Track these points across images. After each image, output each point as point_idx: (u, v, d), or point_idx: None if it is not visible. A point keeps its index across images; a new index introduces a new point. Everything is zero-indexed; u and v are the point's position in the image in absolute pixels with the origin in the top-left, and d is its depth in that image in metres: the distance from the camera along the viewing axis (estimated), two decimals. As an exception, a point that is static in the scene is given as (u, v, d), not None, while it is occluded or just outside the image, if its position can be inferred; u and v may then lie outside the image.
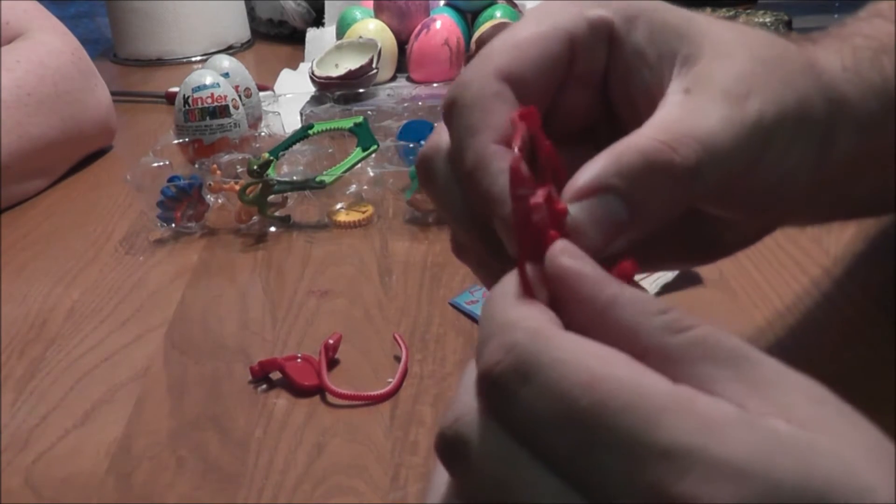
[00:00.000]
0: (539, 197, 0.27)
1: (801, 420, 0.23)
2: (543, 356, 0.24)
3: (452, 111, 0.32)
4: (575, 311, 0.26)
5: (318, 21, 1.14)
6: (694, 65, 0.32)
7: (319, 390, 0.46)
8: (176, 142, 0.74)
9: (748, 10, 1.11)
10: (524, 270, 0.27)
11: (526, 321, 0.25)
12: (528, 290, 0.27)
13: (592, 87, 0.34)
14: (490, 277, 0.33)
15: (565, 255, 0.26)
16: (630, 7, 0.33)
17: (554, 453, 0.24)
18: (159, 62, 1.17)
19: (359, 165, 0.66)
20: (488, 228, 0.31)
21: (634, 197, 0.29)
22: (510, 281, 0.27)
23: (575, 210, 0.28)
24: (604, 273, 0.26)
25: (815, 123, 0.34)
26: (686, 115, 0.30)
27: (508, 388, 0.24)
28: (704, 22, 0.34)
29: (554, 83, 0.33)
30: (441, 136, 0.33)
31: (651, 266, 0.29)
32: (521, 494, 0.24)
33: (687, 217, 0.33)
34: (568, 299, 0.26)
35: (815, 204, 0.38)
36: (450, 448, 0.25)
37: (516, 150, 0.28)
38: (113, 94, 0.87)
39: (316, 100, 0.88)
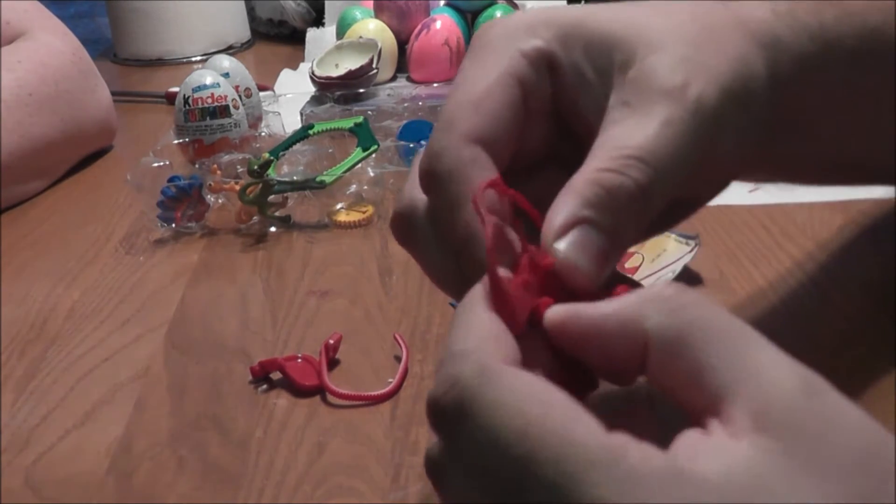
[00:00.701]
0: (518, 284, 0.28)
1: (776, 418, 0.23)
2: (483, 396, 0.24)
3: (432, 182, 0.32)
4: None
5: (318, 21, 1.14)
6: (628, 69, 0.32)
7: (320, 390, 0.46)
8: (176, 142, 0.74)
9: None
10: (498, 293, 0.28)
11: (476, 353, 0.25)
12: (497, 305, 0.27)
13: (545, 116, 0.34)
14: None
15: (555, 314, 0.27)
16: (561, 28, 0.33)
17: (491, 493, 0.24)
18: (159, 62, 1.16)
19: (359, 165, 0.66)
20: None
21: (606, 223, 0.29)
22: (473, 300, 0.28)
23: (562, 247, 0.29)
24: (583, 308, 0.27)
25: (758, 85, 0.34)
26: (626, 131, 0.31)
27: (450, 423, 0.25)
28: (634, 15, 0.34)
29: (517, 127, 0.33)
30: (414, 194, 0.33)
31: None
32: None
33: None
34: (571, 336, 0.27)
35: (770, 158, 0.37)
36: (430, 472, 0.27)
37: (490, 227, 0.28)
38: (113, 94, 0.87)
39: (316, 100, 0.88)
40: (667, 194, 0.31)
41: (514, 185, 0.31)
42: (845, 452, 0.22)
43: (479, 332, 0.26)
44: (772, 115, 0.35)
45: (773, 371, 0.24)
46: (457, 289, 0.33)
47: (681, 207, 0.37)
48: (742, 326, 0.25)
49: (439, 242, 0.33)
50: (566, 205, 0.30)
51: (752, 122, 0.34)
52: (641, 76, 0.32)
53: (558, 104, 0.34)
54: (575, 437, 0.23)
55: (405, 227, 0.34)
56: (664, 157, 0.30)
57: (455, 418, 0.25)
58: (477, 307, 0.27)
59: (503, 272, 0.29)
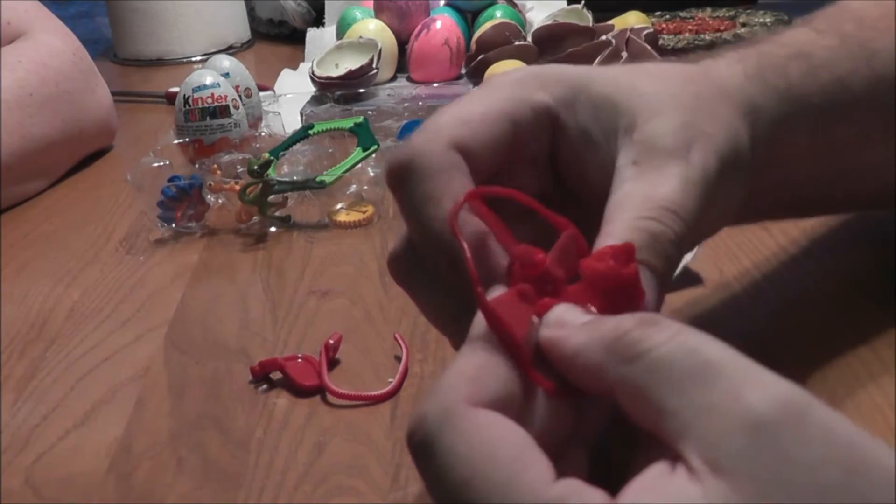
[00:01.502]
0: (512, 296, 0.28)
1: (726, 460, 0.22)
2: (440, 440, 0.25)
3: (407, 176, 0.32)
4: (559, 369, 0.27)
5: (318, 21, 1.14)
6: (633, 133, 0.33)
7: (320, 390, 0.46)
8: (176, 142, 0.74)
9: (748, 10, 1.11)
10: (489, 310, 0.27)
11: (444, 393, 0.26)
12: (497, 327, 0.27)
13: (538, 166, 0.35)
14: None
15: (542, 328, 0.28)
16: (570, 89, 0.35)
17: None
18: (159, 62, 1.17)
19: (359, 165, 0.66)
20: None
21: (657, 267, 0.31)
22: (472, 333, 0.28)
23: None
24: (575, 327, 0.27)
25: (745, 149, 0.35)
26: (648, 186, 0.32)
27: (419, 459, 0.26)
28: (631, 81, 0.35)
29: (498, 161, 0.34)
30: (406, 236, 0.34)
31: None
32: None
33: None
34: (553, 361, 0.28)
35: (746, 211, 0.39)
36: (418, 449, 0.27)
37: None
38: (113, 94, 0.87)
39: (316, 100, 0.88)
40: (693, 241, 0.33)
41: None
42: (804, 489, 0.22)
43: (461, 368, 0.27)
44: (753, 174, 0.37)
45: (723, 412, 0.23)
46: (453, 327, 0.34)
47: None
48: (703, 362, 0.24)
49: (426, 269, 0.33)
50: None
51: (741, 183, 0.36)
52: (646, 139, 0.33)
53: (557, 160, 0.35)
54: (518, 489, 0.24)
55: (401, 265, 0.35)
56: (690, 210, 0.32)
57: (420, 456, 0.26)
58: (473, 342, 0.28)
59: (497, 290, 0.29)
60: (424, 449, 0.25)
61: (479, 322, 0.28)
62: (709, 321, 0.48)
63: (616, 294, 0.28)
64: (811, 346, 0.46)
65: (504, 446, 0.25)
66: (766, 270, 0.53)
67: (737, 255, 0.55)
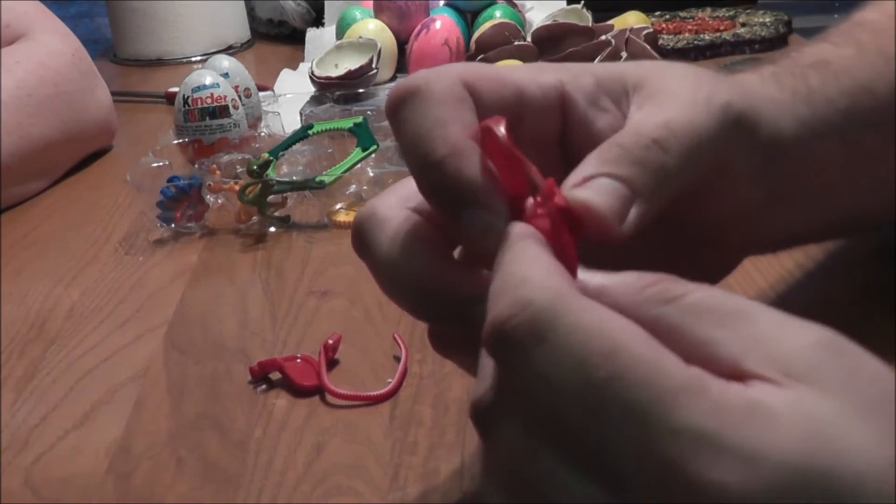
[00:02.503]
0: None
1: (799, 372, 0.23)
2: (563, 318, 0.24)
3: (413, 101, 0.31)
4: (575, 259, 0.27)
5: (318, 21, 1.14)
6: (641, 91, 0.34)
7: (319, 390, 0.46)
8: (176, 142, 0.74)
9: (748, 10, 1.11)
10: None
11: (547, 280, 0.25)
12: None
13: (548, 152, 0.35)
14: (445, 344, 0.35)
15: (583, 190, 0.28)
16: (571, 71, 0.35)
17: (566, 421, 0.23)
18: (159, 62, 1.16)
19: (359, 165, 0.66)
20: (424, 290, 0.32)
21: (627, 176, 0.30)
22: (525, 238, 0.27)
23: (583, 193, 0.29)
24: (589, 272, 0.27)
25: (765, 119, 0.35)
26: (642, 115, 0.32)
27: (521, 347, 0.24)
28: (636, 63, 0.36)
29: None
30: (375, 206, 0.33)
31: None
32: (540, 484, 0.24)
33: (661, 238, 0.34)
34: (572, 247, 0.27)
35: (771, 227, 0.39)
36: (479, 420, 0.26)
37: (504, 130, 0.28)
38: (113, 94, 0.87)
39: (316, 100, 0.88)
40: (683, 172, 0.32)
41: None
42: (874, 397, 0.23)
43: (542, 264, 0.26)
44: (775, 178, 0.36)
45: (782, 333, 0.24)
46: (410, 293, 0.33)
47: (692, 274, 0.38)
48: (738, 304, 0.25)
49: (407, 244, 0.32)
50: (583, 167, 0.30)
51: (759, 166, 0.35)
52: (654, 89, 0.33)
53: (567, 139, 0.35)
54: (663, 364, 0.23)
55: (360, 233, 0.34)
56: (681, 128, 0.31)
57: (527, 342, 0.24)
58: (530, 246, 0.27)
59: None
60: (535, 331, 0.24)
61: (522, 230, 0.28)
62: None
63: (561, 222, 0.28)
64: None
65: (636, 328, 0.24)
66: (765, 271, 0.53)
67: (736, 255, 0.55)
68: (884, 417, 0.23)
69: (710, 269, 0.38)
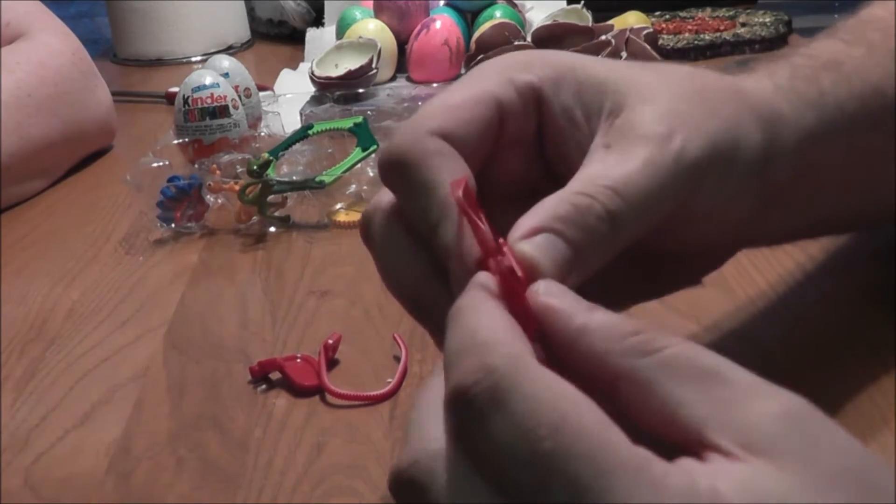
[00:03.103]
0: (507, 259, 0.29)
1: (760, 443, 0.23)
2: (520, 387, 0.24)
3: (399, 171, 0.33)
4: (553, 345, 0.27)
5: (318, 21, 1.14)
6: (616, 117, 0.33)
7: (319, 390, 0.46)
8: (176, 142, 0.74)
9: (748, 10, 1.11)
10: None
11: (506, 346, 0.25)
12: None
13: (527, 150, 0.35)
14: (435, 332, 0.34)
15: (543, 293, 0.27)
16: (555, 69, 0.34)
17: (515, 487, 0.24)
18: (159, 62, 1.17)
19: (358, 165, 0.66)
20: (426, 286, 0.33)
21: (572, 236, 0.30)
22: (482, 293, 0.28)
23: (526, 247, 0.29)
24: (577, 304, 0.27)
25: (750, 148, 0.35)
26: (605, 167, 0.32)
27: (481, 412, 0.24)
28: (626, 70, 0.35)
29: (486, 144, 0.34)
30: (380, 196, 0.35)
31: (615, 303, 0.30)
32: None
33: (641, 253, 0.34)
34: (547, 333, 0.27)
35: (766, 228, 0.38)
36: (405, 490, 0.26)
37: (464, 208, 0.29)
38: (113, 94, 0.87)
39: (316, 100, 0.88)
40: (637, 229, 0.32)
41: (490, 212, 0.31)
42: (835, 471, 0.23)
43: (500, 324, 0.26)
44: (768, 186, 0.36)
45: (749, 400, 0.24)
46: (411, 291, 0.33)
47: (681, 269, 0.38)
48: (714, 364, 0.25)
49: (405, 239, 0.33)
50: (535, 215, 0.30)
51: (743, 188, 0.35)
52: (626, 123, 0.33)
53: (543, 142, 0.35)
54: (609, 438, 0.23)
55: (367, 226, 0.35)
56: (638, 192, 0.31)
57: (489, 408, 0.24)
58: (487, 301, 0.27)
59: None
60: (494, 398, 0.24)
61: (481, 281, 0.28)
62: (707, 322, 0.48)
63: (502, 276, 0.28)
64: (810, 347, 0.46)
65: (587, 402, 0.24)
66: (764, 271, 0.53)
67: (736, 255, 0.55)
68: (845, 491, 0.22)
69: (702, 262, 0.38)
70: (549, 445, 0.23)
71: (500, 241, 0.29)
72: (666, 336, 0.25)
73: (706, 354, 0.25)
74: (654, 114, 0.33)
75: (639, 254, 0.34)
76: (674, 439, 0.24)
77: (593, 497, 0.22)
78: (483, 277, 0.28)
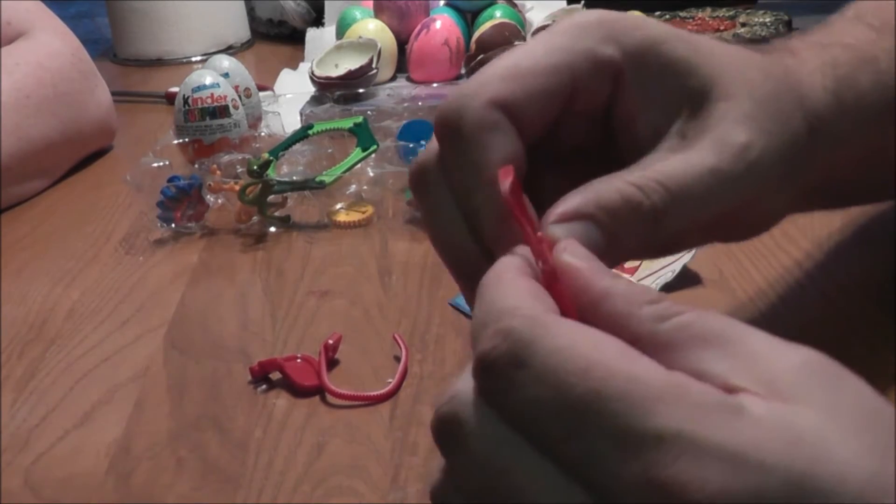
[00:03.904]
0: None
1: (785, 391, 0.23)
2: (539, 343, 0.24)
3: (450, 137, 0.32)
4: (573, 306, 0.27)
5: (318, 21, 1.14)
6: (697, 107, 0.33)
7: (319, 390, 0.46)
8: (176, 142, 0.74)
9: (748, 10, 1.11)
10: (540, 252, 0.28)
11: (523, 308, 0.25)
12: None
13: (591, 119, 0.35)
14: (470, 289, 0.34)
15: (566, 252, 0.27)
16: (640, 45, 0.34)
17: (548, 438, 0.24)
18: (159, 62, 1.16)
19: (359, 165, 0.66)
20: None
21: (610, 228, 0.30)
22: (506, 267, 0.28)
23: (558, 231, 0.30)
24: (599, 268, 0.27)
25: (799, 157, 0.35)
26: (671, 161, 0.32)
27: (504, 374, 0.25)
28: (710, 53, 0.34)
29: (550, 115, 0.33)
30: (433, 146, 0.34)
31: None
32: (514, 477, 0.24)
33: None
34: (568, 294, 0.27)
35: (795, 211, 0.39)
36: (444, 426, 0.26)
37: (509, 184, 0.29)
38: (113, 94, 0.87)
39: (316, 100, 0.88)
40: (683, 226, 0.32)
41: (547, 172, 0.31)
42: (861, 414, 0.23)
43: (520, 291, 0.27)
44: (797, 180, 0.36)
45: (769, 353, 0.24)
46: (456, 252, 0.33)
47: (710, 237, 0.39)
48: (731, 322, 0.25)
49: (447, 191, 0.33)
50: (578, 197, 0.30)
51: (778, 189, 0.35)
52: (707, 119, 0.33)
53: (612, 113, 0.35)
54: (638, 373, 0.23)
55: (421, 176, 0.34)
56: (694, 198, 0.31)
57: (512, 368, 0.24)
58: (509, 273, 0.27)
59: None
60: (516, 358, 0.24)
61: (507, 262, 0.28)
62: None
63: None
64: (810, 346, 0.46)
65: (610, 340, 0.24)
66: (764, 271, 0.53)
67: (736, 255, 0.55)
68: (868, 432, 0.23)
69: (733, 232, 0.38)
70: (580, 391, 0.23)
71: (540, 235, 0.29)
72: (681, 305, 0.26)
73: (721, 318, 0.25)
74: (735, 116, 0.33)
75: None
76: None
77: (634, 430, 0.23)
78: (509, 257, 0.28)
